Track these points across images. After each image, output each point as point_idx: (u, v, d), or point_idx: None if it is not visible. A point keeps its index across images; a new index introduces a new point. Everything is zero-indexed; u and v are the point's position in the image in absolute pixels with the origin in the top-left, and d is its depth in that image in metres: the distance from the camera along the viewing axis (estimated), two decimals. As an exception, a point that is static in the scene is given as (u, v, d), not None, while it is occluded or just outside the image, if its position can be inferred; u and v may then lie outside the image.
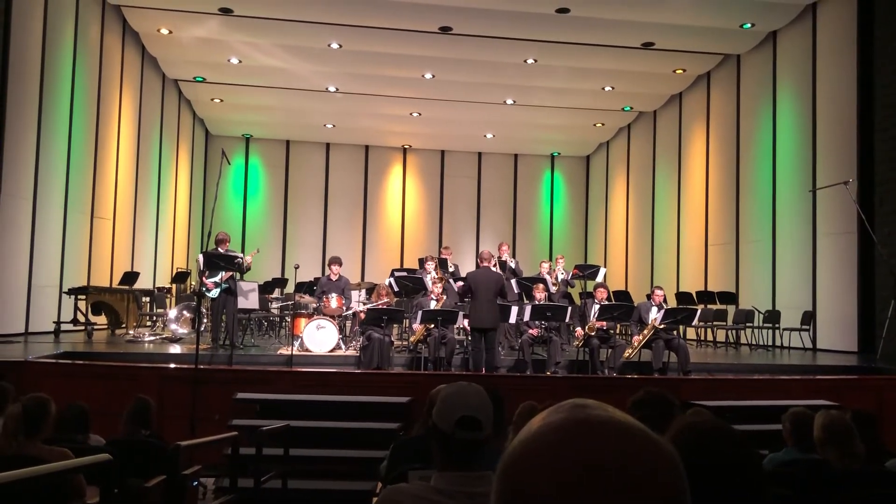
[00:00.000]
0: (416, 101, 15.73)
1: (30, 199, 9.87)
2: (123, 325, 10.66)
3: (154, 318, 11.76)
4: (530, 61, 13.56)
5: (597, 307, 8.79)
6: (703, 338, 13.19)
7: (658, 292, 8.92)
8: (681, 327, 10.28)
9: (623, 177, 17.84)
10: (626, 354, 8.55)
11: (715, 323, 12.11)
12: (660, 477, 0.62)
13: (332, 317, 8.98)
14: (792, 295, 11.53)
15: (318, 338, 8.64)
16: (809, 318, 10.85)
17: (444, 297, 9.15)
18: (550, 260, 11.60)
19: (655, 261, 15.99)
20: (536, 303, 8.96)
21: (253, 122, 17.55)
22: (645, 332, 8.45)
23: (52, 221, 10.47)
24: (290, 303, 10.74)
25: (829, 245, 10.82)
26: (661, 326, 8.40)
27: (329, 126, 17.46)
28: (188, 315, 10.58)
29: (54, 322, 9.95)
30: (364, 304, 9.85)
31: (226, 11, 11.82)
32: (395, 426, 6.37)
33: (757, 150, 12.79)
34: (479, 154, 19.35)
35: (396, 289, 9.93)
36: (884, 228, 9.73)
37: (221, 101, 16.15)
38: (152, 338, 10.25)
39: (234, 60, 13.81)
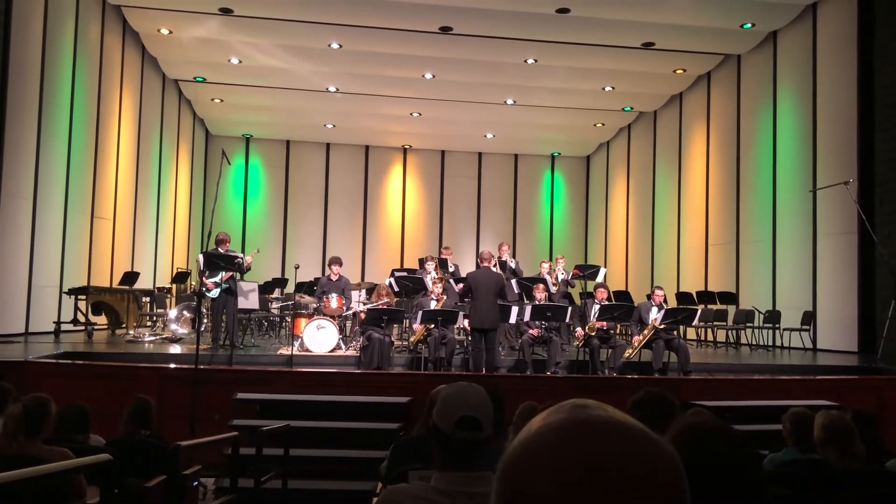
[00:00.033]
0: (416, 101, 15.72)
1: (30, 199, 9.87)
2: (123, 326, 10.66)
3: (154, 318, 11.76)
4: (530, 61, 13.55)
5: (597, 307, 8.79)
6: (703, 338, 13.19)
7: (658, 292, 8.92)
8: (681, 327, 10.27)
9: (623, 177, 17.83)
10: (627, 355, 8.55)
11: (715, 323, 12.10)
12: (660, 477, 0.62)
13: (333, 317, 8.97)
14: (792, 295, 11.52)
15: (319, 338, 8.64)
16: (810, 319, 10.85)
17: (445, 297, 9.15)
18: (550, 260, 11.60)
19: (655, 261, 15.98)
20: (536, 303, 8.95)
21: (253, 122, 17.54)
22: (645, 332, 8.45)
23: (52, 221, 10.47)
24: (290, 303, 10.74)
25: (830, 245, 10.82)
26: (662, 326, 8.40)
27: (329, 126, 17.45)
28: (188, 315, 10.58)
29: (54, 322, 9.95)
30: (364, 304, 9.85)
31: (226, 11, 11.82)
32: (396, 426, 6.37)
33: (757, 150, 12.79)
34: (480, 154, 19.34)
35: (396, 289, 9.93)
36: (884, 228, 9.73)
37: (221, 101, 16.15)
38: (152, 338, 10.26)
39: (235, 60, 13.81)
